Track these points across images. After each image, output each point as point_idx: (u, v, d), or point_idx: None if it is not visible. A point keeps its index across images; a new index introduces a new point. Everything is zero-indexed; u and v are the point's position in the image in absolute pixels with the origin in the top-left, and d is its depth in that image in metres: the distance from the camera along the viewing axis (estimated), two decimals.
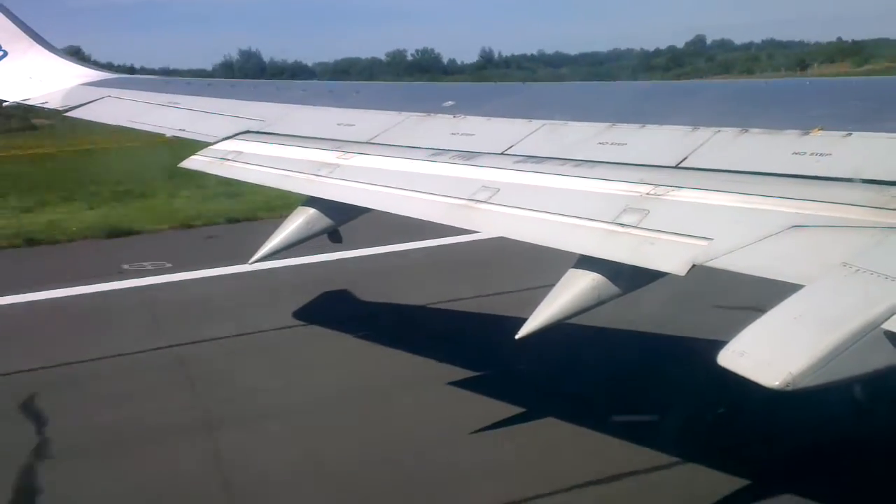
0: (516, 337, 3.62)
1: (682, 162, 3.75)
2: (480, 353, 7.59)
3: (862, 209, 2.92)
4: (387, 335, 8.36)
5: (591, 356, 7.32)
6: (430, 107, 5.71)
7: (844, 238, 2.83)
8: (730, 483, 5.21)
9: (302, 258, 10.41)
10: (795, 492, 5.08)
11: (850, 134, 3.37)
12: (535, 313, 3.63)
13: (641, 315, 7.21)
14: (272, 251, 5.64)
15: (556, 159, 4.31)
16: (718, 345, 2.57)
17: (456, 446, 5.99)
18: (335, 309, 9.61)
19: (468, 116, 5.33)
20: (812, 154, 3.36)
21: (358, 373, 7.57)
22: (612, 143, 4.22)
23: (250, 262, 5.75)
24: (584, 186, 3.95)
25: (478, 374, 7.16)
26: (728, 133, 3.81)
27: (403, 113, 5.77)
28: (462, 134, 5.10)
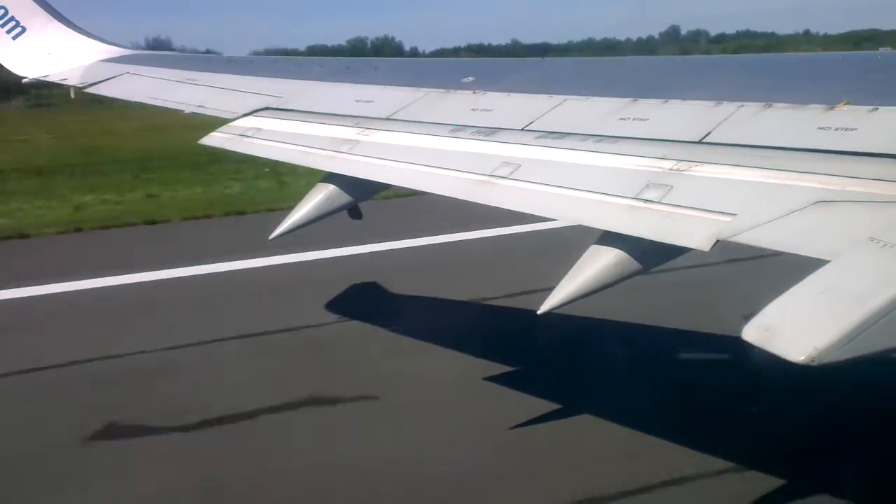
0: (538, 312, 3.64)
1: (705, 137, 3.73)
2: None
3: (889, 184, 2.90)
4: None
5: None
6: (450, 83, 5.68)
7: (871, 213, 2.81)
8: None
9: None
10: None
11: (877, 108, 3.33)
12: (557, 289, 3.63)
13: None
14: (293, 227, 5.64)
15: (578, 135, 4.29)
16: None
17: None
18: None
19: (488, 92, 5.31)
20: (837, 129, 3.33)
21: None
22: (634, 119, 4.19)
23: (271, 237, 5.76)
24: (606, 162, 3.94)
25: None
26: (752, 107, 3.78)
27: (422, 89, 5.75)
28: (482, 110, 5.08)
